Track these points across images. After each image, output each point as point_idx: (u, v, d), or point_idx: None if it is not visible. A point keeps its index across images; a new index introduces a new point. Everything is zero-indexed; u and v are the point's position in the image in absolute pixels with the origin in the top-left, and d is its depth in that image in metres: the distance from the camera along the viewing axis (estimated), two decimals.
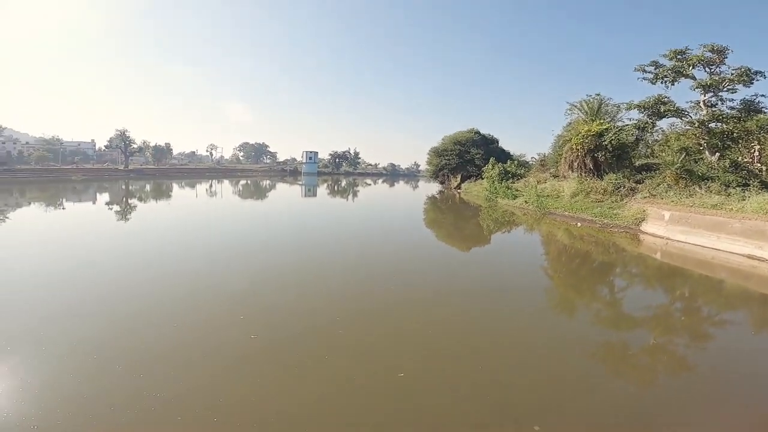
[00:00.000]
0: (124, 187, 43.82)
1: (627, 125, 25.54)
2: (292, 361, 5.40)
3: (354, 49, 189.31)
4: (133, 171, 69.57)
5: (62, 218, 20.24)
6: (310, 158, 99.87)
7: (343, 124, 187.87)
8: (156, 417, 4.05)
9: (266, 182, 61.14)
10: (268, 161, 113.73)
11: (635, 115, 25.82)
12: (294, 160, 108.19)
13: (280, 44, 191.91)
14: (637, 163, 24.72)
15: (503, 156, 42.80)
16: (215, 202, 31.72)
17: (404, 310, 7.63)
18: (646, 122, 24.92)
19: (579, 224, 19.74)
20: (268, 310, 7.29)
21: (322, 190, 49.14)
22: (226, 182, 58.15)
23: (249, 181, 61.30)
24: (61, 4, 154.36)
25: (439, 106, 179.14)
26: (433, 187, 54.10)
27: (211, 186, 49.35)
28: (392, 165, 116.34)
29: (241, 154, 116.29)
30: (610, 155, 23.52)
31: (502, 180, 33.97)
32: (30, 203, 26.59)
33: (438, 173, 50.32)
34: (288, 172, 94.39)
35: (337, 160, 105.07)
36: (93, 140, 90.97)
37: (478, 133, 48.74)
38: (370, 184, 65.00)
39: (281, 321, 6.82)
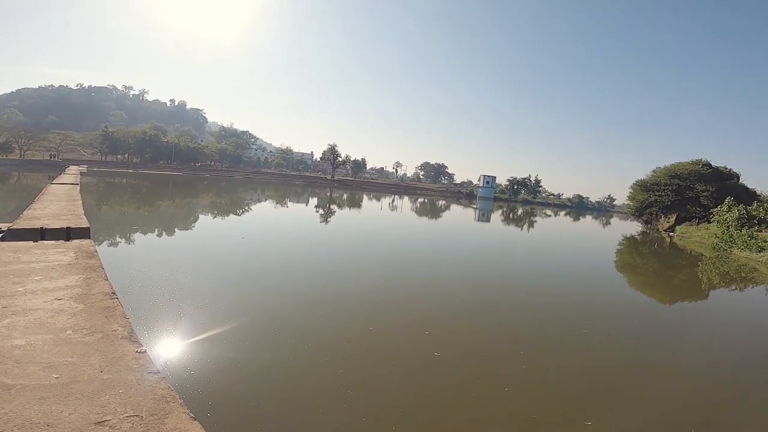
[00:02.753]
0: (329, 194, 53.04)
1: None
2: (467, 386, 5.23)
3: (544, 74, 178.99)
4: (336, 181, 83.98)
5: (285, 213, 26.44)
6: (488, 182, 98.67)
7: (524, 149, 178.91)
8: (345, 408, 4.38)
9: (441, 202, 63.31)
10: (446, 182, 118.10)
11: None
12: (470, 182, 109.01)
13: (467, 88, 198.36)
14: None
15: (745, 196, 33.41)
16: (397, 216, 34.86)
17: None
18: None
19: None
20: (446, 329, 7.33)
21: (496, 216, 47.50)
22: (405, 198, 63.12)
23: (426, 200, 64.80)
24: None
25: (650, 131, 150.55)
26: (631, 227, 45.35)
27: (393, 201, 54.43)
28: (579, 196, 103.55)
29: (422, 173, 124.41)
30: None
31: (742, 226, 25.97)
32: (267, 199, 35.77)
33: (643, 210, 42.27)
34: (464, 194, 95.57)
35: (515, 186, 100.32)
36: (312, 152, 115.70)
37: (707, 165, 39.05)
38: (549, 215, 59.10)
39: (459, 341, 6.73)
